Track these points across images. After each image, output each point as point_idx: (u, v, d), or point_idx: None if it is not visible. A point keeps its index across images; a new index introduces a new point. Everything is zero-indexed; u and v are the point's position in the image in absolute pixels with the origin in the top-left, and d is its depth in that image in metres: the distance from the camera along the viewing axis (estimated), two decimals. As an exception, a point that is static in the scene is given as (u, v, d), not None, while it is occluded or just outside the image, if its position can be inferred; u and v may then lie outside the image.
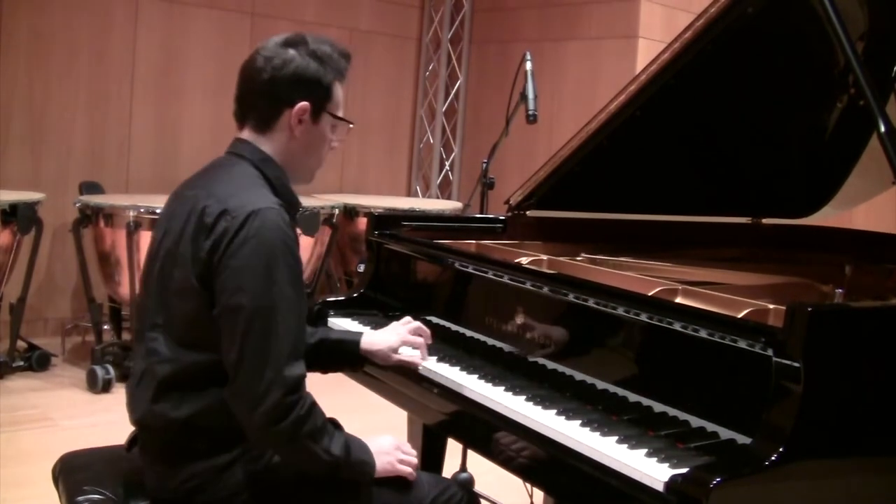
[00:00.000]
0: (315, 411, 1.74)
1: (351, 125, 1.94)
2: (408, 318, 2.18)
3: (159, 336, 1.79)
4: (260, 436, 1.73)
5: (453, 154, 6.85)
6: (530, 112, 3.14)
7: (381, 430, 2.59)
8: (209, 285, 1.72)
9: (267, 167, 1.85)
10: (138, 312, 1.91)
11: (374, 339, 2.13)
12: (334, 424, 1.83)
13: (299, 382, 1.71)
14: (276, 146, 1.87)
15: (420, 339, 2.14)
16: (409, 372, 2.13)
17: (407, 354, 2.12)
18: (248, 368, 1.68)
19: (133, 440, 1.89)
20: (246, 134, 1.88)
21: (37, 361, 4.73)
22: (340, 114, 1.91)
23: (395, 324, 2.17)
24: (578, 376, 1.90)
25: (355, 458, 1.80)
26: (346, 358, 2.15)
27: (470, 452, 2.97)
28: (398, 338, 2.12)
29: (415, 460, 1.93)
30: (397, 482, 1.88)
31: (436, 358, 2.14)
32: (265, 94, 1.84)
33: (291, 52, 1.83)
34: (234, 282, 1.69)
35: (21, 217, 4.46)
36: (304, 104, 1.83)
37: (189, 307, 1.76)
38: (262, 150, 1.86)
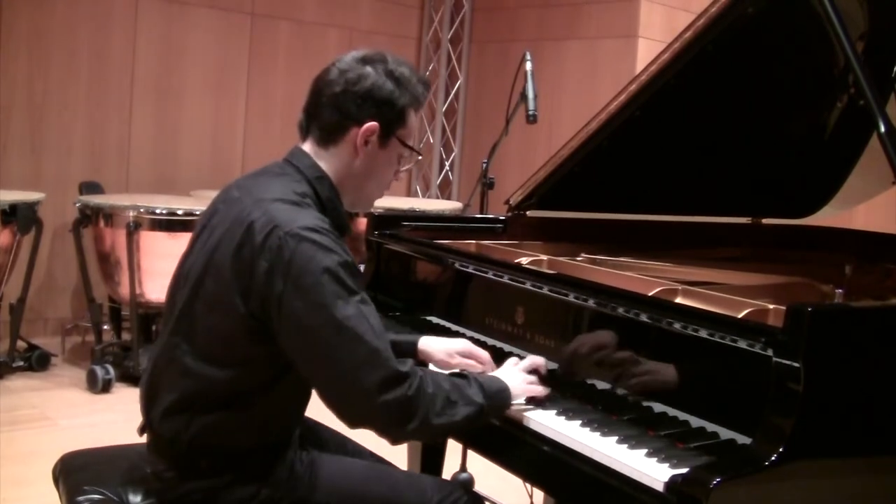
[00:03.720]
0: (423, 387, 1.65)
1: (420, 157, 1.85)
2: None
3: (182, 344, 1.73)
4: (398, 439, 1.70)
5: (453, 154, 6.85)
6: (530, 112, 3.14)
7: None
8: (256, 307, 1.65)
9: (321, 185, 1.78)
10: (166, 305, 1.83)
11: (433, 343, 2.05)
12: (460, 376, 1.79)
13: (397, 377, 1.64)
14: (336, 164, 1.80)
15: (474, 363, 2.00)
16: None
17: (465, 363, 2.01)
18: (343, 387, 1.64)
19: (144, 427, 1.85)
20: (307, 146, 1.82)
21: (37, 361, 4.73)
22: (411, 142, 1.84)
23: (462, 339, 2.08)
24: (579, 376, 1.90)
25: (493, 390, 1.76)
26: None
27: (470, 452, 2.96)
28: (464, 345, 2.03)
29: (536, 379, 1.87)
30: (398, 486, 1.86)
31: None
32: (335, 107, 1.77)
33: (368, 68, 1.77)
34: (306, 306, 1.61)
35: (21, 217, 4.46)
36: (373, 124, 1.76)
37: (217, 320, 1.69)
38: (319, 165, 1.79)
